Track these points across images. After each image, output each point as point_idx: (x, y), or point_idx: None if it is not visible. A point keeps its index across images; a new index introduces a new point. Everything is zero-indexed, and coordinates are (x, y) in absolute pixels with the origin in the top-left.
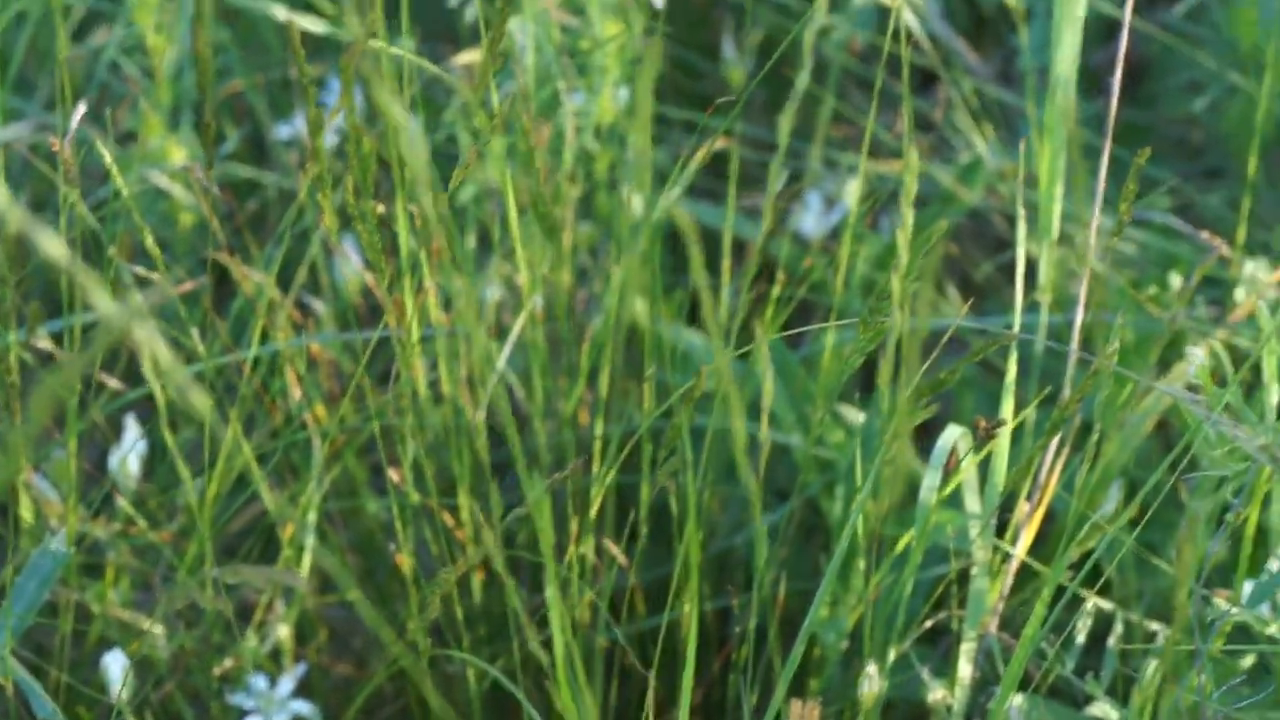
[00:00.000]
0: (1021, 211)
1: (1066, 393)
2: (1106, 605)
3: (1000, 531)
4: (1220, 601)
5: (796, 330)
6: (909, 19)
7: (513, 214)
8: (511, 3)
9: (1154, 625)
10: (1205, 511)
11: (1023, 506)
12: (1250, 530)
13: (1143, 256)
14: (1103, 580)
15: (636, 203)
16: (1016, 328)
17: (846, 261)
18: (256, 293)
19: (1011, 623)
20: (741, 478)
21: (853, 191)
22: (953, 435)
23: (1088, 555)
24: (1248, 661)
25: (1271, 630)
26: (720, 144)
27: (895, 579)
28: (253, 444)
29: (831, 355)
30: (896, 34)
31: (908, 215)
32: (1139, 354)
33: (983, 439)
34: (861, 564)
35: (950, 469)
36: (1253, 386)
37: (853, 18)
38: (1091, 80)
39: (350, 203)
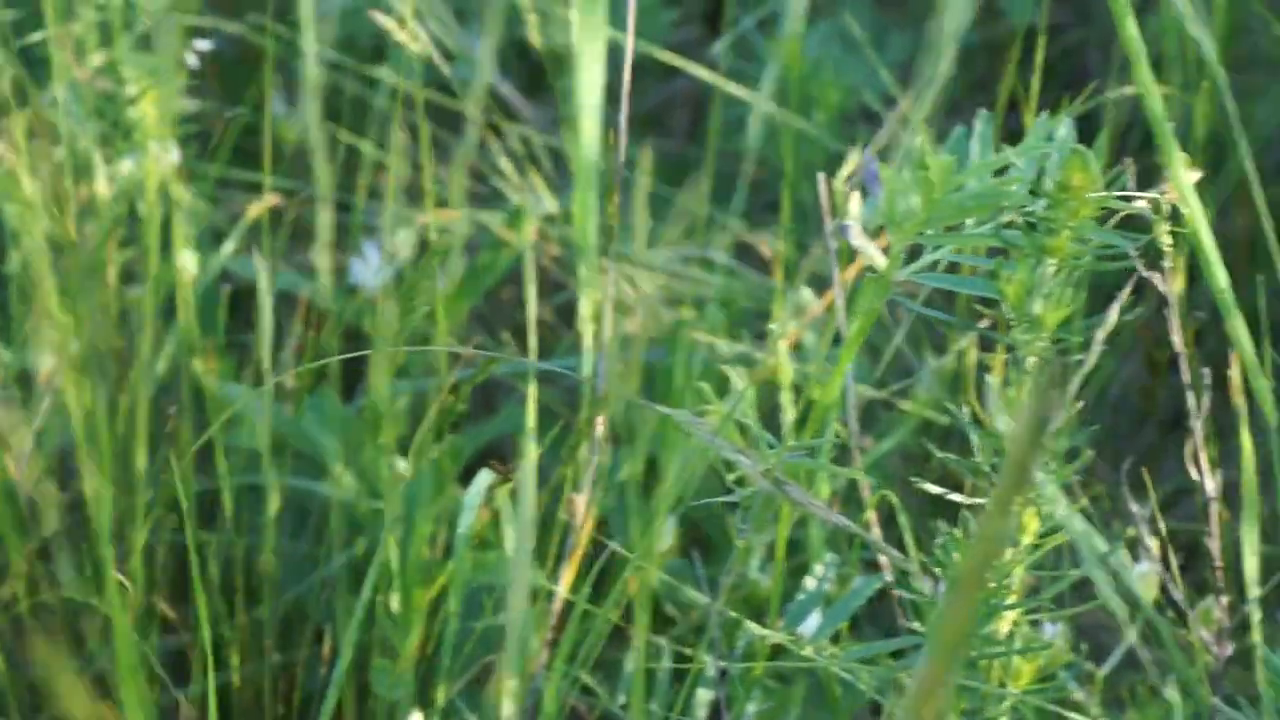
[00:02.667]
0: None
1: (600, 428)
2: (659, 640)
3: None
4: (753, 625)
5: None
6: (462, 71)
7: (45, 277)
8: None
9: (706, 655)
10: (756, 539)
11: (580, 538)
12: (780, 552)
13: (703, 293)
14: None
15: (189, 262)
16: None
17: (402, 312)
18: None
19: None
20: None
21: (407, 243)
22: (485, 478)
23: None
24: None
25: (807, 650)
26: (276, 201)
27: (446, 624)
28: None
29: (387, 405)
30: (448, 87)
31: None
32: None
33: (500, 478)
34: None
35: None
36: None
37: (405, 70)
38: (653, 120)
39: None
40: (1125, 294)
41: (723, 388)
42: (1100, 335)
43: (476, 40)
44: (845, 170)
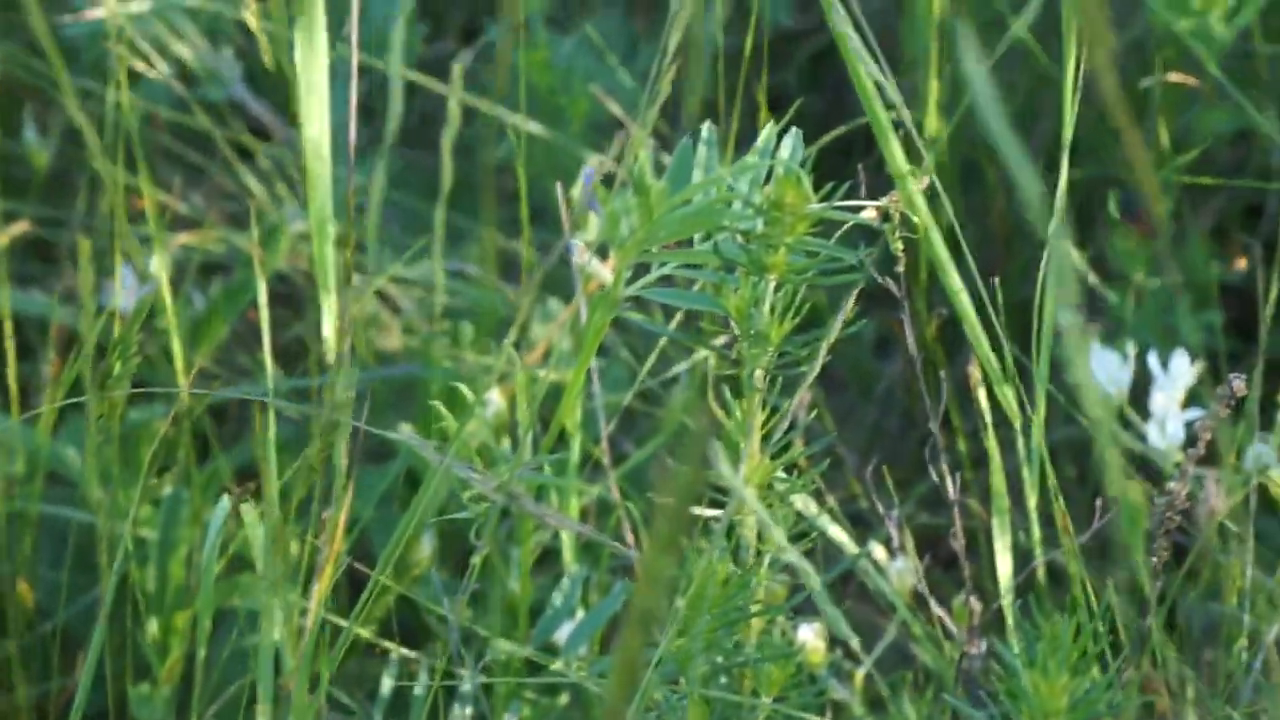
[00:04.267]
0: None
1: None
2: (411, 653)
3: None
4: (501, 640)
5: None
6: (211, 92)
7: None
8: None
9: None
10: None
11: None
12: (525, 564)
13: (456, 306)
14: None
15: None
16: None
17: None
18: None
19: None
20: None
21: (161, 265)
22: (226, 503)
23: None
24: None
25: (556, 665)
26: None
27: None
28: None
29: (142, 430)
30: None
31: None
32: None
33: (238, 498)
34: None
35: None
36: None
37: (144, 92)
38: (420, 135)
39: None
40: (850, 305)
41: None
42: (823, 348)
43: (227, 62)
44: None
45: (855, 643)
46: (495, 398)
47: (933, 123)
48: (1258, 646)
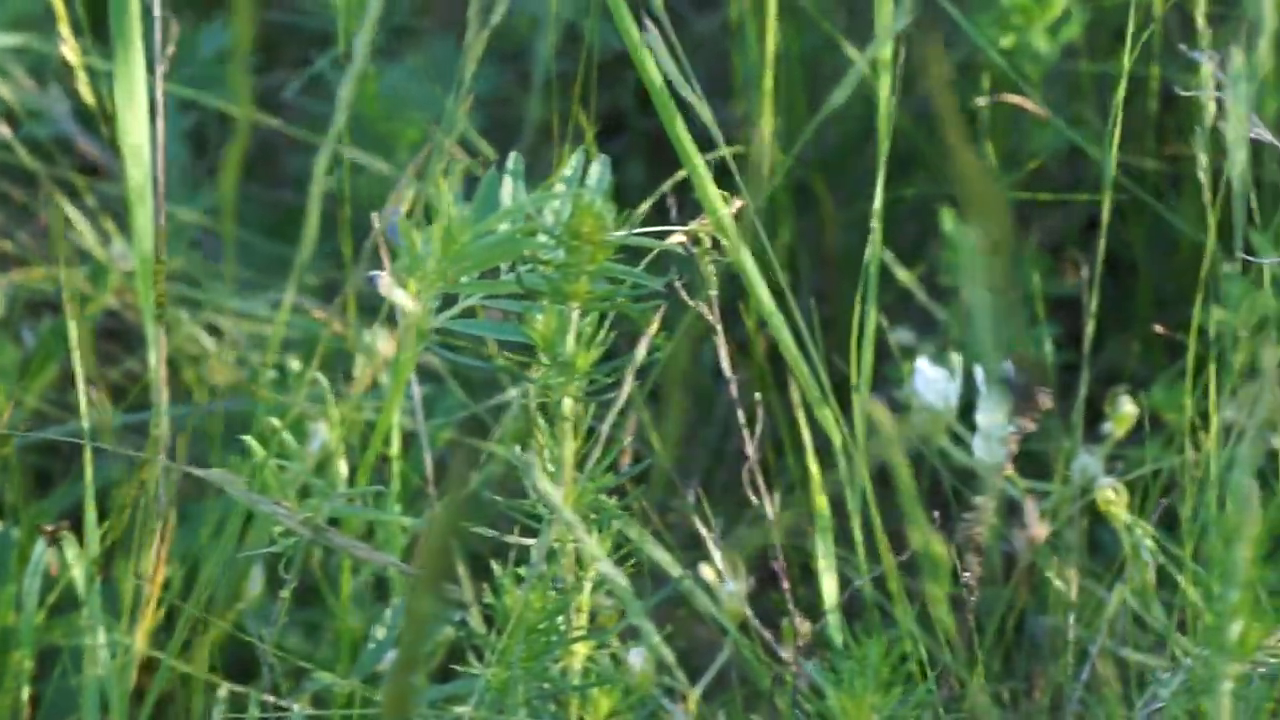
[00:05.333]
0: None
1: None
2: (240, 688)
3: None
4: (325, 675)
5: None
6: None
7: None
8: None
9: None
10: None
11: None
12: (344, 595)
13: (295, 339)
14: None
15: None
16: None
17: None
18: None
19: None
20: None
21: None
22: (41, 547)
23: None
24: None
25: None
26: None
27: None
28: None
29: None
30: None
31: None
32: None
33: (51, 537)
34: None
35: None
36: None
37: None
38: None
39: None
40: (654, 329)
41: (298, 434)
42: (630, 374)
43: (55, 98)
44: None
45: (673, 662)
46: (322, 431)
47: (765, 148)
48: (1086, 658)
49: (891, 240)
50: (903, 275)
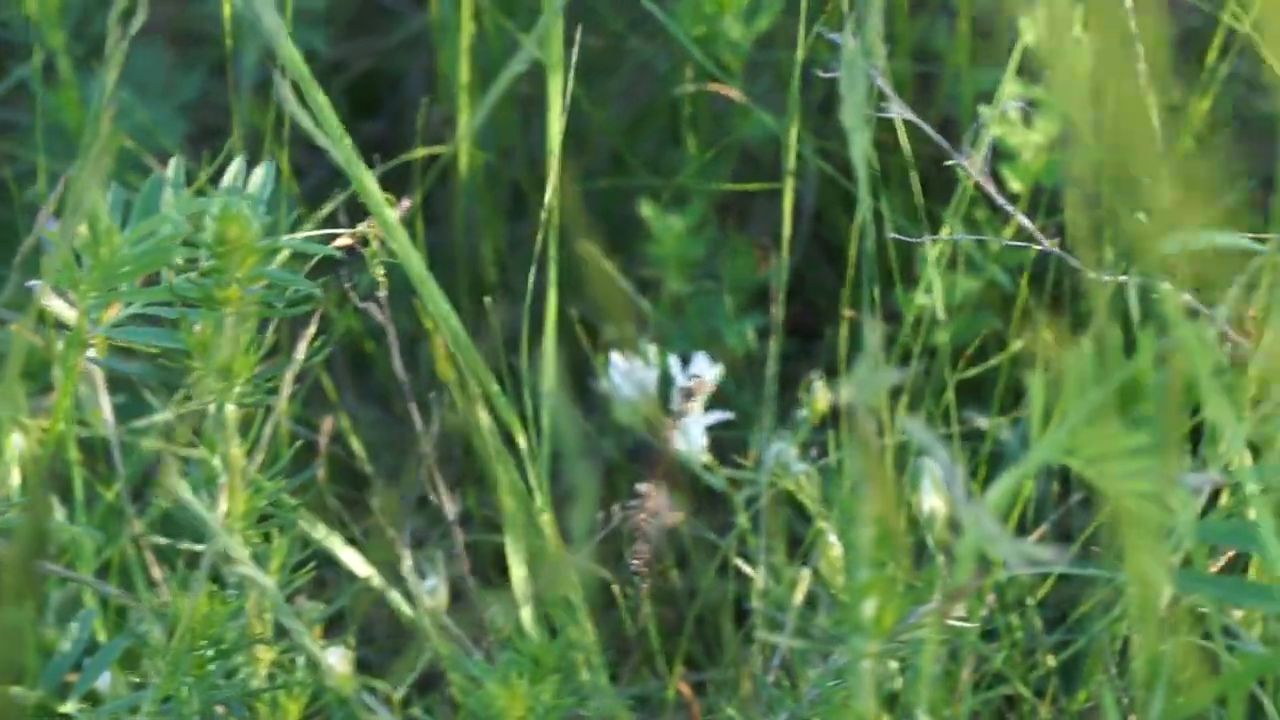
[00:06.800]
0: None
1: None
2: None
3: None
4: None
5: None
6: None
7: None
8: None
9: None
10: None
11: None
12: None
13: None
14: None
15: None
16: None
17: None
18: None
19: None
20: None
21: None
22: None
23: None
24: None
25: (66, 708)
26: None
27: None
28: None
29: None
30: None
31: None
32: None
33: None
34: None
35: None
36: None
37: None
38: None
39: None
40: (311, 333)
41: None
42: (289, 377)
43: None
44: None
45: (346, 665)
46: (19, 442)
47: (466, 147)
48: (775, 647)
49: (592, 231)
50: (606, 267)
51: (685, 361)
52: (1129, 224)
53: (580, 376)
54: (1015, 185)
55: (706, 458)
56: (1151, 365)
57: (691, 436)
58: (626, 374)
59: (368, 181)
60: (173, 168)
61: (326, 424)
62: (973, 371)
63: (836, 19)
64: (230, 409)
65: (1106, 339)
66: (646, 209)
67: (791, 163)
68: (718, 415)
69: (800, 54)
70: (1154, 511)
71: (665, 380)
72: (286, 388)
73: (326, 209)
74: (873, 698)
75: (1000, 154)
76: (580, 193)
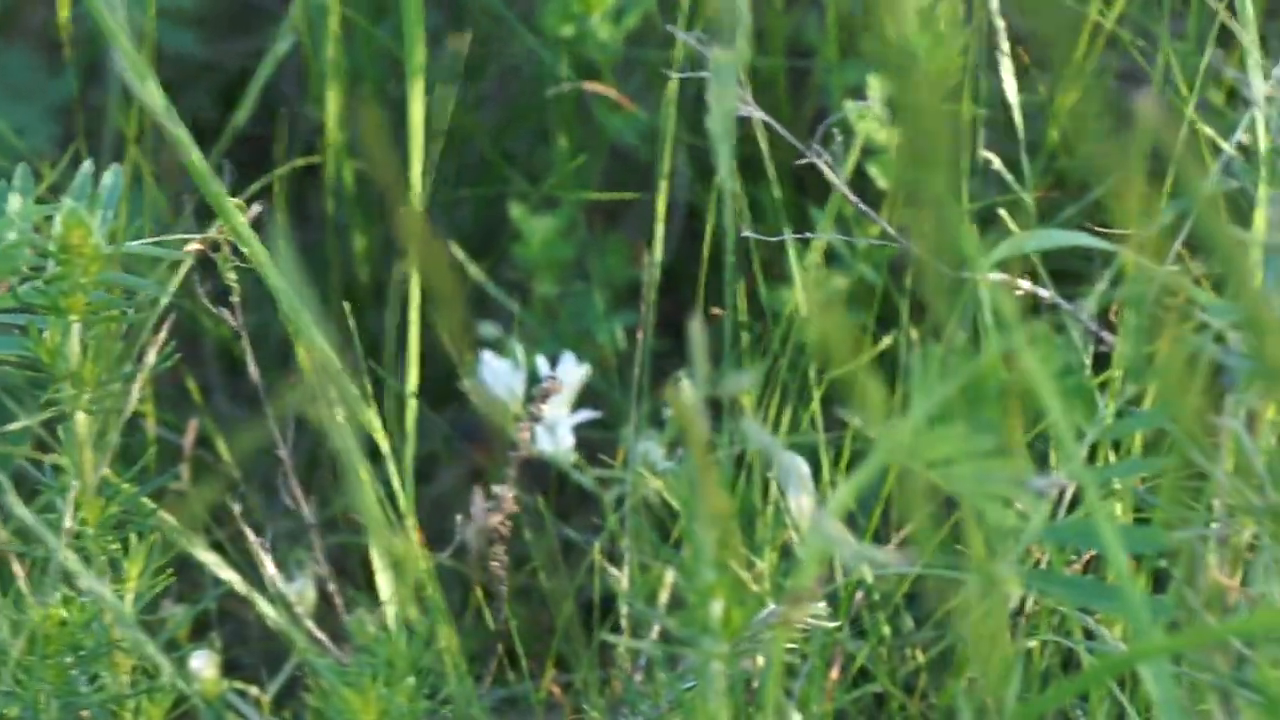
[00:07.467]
0: None
1: None
2: None
3: None
4: None
5: None
6: None
7: None
8: None
9: None
10: None
11: None
12: None
13: None
14: None
15: None
16: None
17: None
18: None
19: None
20: None
21: None
22: None
23: None
24: None
25: None
26: None
27: None
28: None
29: None
30: None
31: None
32: None
33: None
34: None
35: None
36: None
37: None
38: None
39: None
40: (162, 338)
41: None
42: (140, 382)
43: None
44: None
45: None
46: None
47: (334, 154)
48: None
49: (460, 233)
50: (474, 270)
51: (554, 362)
52: (945, 228)
53: (450, 380)
54: (882, 182)
55: (574, 457)
56: (998, 366)
57: (559, 436)
58: (497, 373)
59: (218, 189)
60: (19, 174)
61: (191, 427)
62: (842, 370)
63: (706, 18)
64: (81, 416)
65: (953, 340)
66: (515, 211)
67: (667, 164)
68: (585, 414)
69: (678, 56)
70: (999, 513)
71: (535, 381)
72: (137, 393)
73: (185, 213)
74: (723, 699)
75: (869, 150)
76: (451, 194)
